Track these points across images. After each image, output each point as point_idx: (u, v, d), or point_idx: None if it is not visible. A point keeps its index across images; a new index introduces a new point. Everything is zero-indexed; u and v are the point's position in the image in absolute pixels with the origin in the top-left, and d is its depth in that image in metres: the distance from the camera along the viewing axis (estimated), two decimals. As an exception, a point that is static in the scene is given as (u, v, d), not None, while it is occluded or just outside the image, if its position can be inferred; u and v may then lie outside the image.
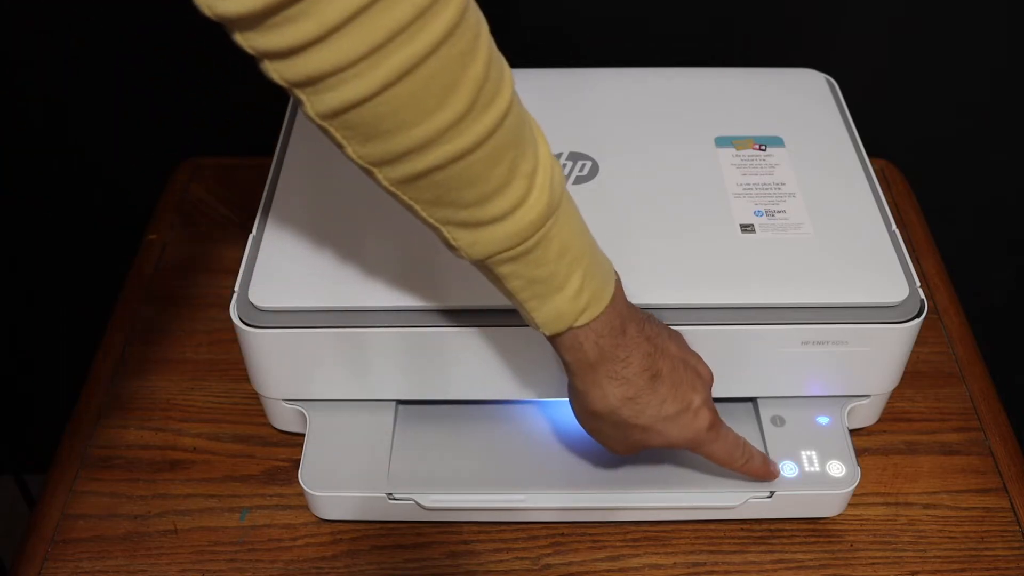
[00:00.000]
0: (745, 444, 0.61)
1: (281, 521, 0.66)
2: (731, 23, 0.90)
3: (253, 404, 0.71)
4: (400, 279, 0.62)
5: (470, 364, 0.63)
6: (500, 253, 0.49)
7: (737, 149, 0.72)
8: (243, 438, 0.71)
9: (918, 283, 0.62)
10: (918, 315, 0.61)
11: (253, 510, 0.66)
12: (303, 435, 0.66)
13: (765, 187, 0.69)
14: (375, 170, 0.47)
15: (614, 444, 0.59)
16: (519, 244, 0.49)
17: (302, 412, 0.66)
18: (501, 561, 0.64)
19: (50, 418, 0.88)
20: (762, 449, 0.65)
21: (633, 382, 0.55)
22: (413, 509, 0.63)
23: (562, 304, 0.52)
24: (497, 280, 0.52)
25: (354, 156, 0.46)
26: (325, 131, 0.45)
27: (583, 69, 0.80)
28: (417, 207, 0.48)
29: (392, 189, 0.48)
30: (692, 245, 0.64)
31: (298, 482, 0.63)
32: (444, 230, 0.49)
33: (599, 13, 0.89)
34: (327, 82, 0.42)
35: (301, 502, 0.66)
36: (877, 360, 0.64)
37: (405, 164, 0.45)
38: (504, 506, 0.64)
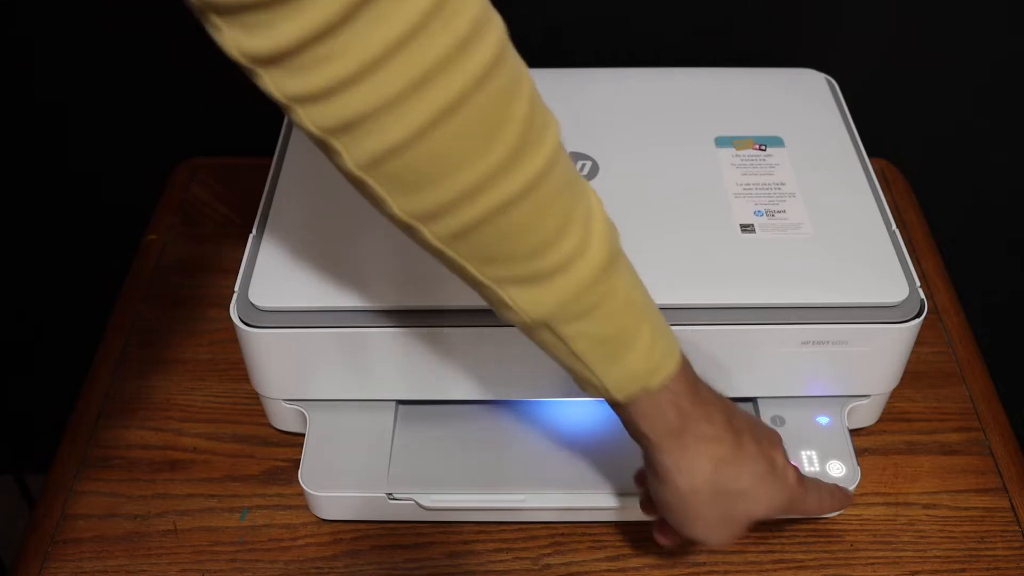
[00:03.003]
0: (819, 484, 0.58)
1: (281, 521, 0.66)
2: (731, 23, 0.90)
3: (253, 404, 0.71)
4: (400, 279, 0.62)
5: (470, 364, 0.63)
6: (564, 308, 0.46)
7: (737, 149, 0.72)
8: (243, 438, 0.71)
9: (918, 283, 0.62)
10: (918, 315, 0.61)
11: (253, 510, 0.66)
12: (303, 435, 0.66)
13: (765, 187, 0.69)
14: (421, 226, 0.43)
15: (715, 529, 0.53)
16: (585, 295, 0.46)
17: (302, 412, 0.66)
18: (501, 561, 0.64)
19: (50, 418, 0.88)
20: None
21: (723, 440, 0.51)
22: (413, 509, 0.63)
23: (635, 362, 0.48)
24: (558, 344, 0.48)
25: (398, 211, 0.42)
26: (363, 186, 0.42)
27: (583, 69, 0.80)
28: (469, 266, 0.45)
29: (440, 247, 0.44)
30: (692, 245, 0.64)
31: (298, 482, 0.63)
32: (499, 290, 0.46)
33: (599, 13, 0.89)
34: (365, 126, 0.39)
35: (301, 502, 0.66)
36: (877, 360, 0.64)
37: (455, 215, 0.42)
38: (504, 506, 0.64)
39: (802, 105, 0.77)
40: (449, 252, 0.44)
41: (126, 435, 0.71)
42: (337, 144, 0.40)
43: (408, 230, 0.44)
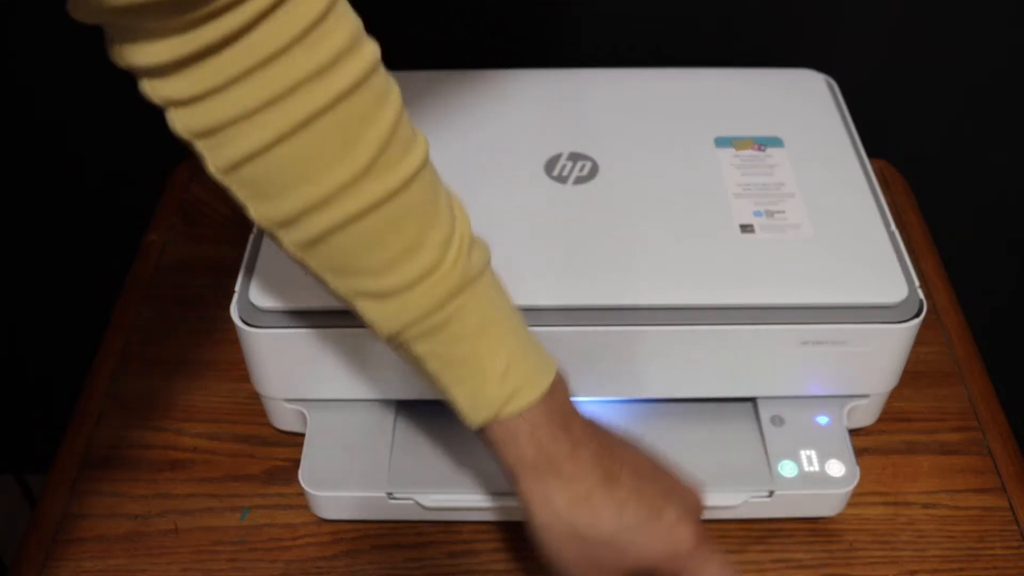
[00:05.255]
0: (725, 563, 0.51)
1: (281, 521, 0.66)
2: (731, 23, 0.90)
3: (253, 404, 0.71)
4: (400, 279, 0.62)
5: (470, 364, 0.63)
6: (411, 326, 0.48)
7: (737, 149, 0.72)
8: (243, 438, 0.71)
9: (917, 283, 0.63)
10: (917, 315, 0.62)
11: (253, 510, 0.66)
12: (303, 435, 0.66)
13: (764, 187, 0.69)
14: (279, 233, 0.47)
15: (580, 571, 0.50)
16: (430, 315, 0.47)
17: (302, 412, 0.67)
18: (501, 561, 0.64)
19: (50, 418, 0.88)
20: (762, 449, 0.65)
21: (583, 479, 0.49)
22: (413, 509, 0.63)
23: (485, 387, 0.48)
24: (413, 361, 0.50)
25: (256, 216, 0.47)
26: (227, 190, 0.46)
27: (583, 69, 0.80)
28: (324, 276, 0.48)
29: (298, 256, 0.48)
30: (692, 245, 0.64)
31: (298, 482, 0.63)
32: (356, 303, 0.49)
33: (599, 13, 0.89)
34: (226, 132, 0.43)
35: (301, 502, 0.66)
36: (876, 360, 0.64)
37: (304, 224, 0.46)
38: (504, 506, 0.64)
39: (802, 105, 0.77)
40: (306, 260, 0.48)
41: (126, 435, 0.71)
42: (202, 148, 0.45)
43: (271, 237, 0.48)
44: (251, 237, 0.65)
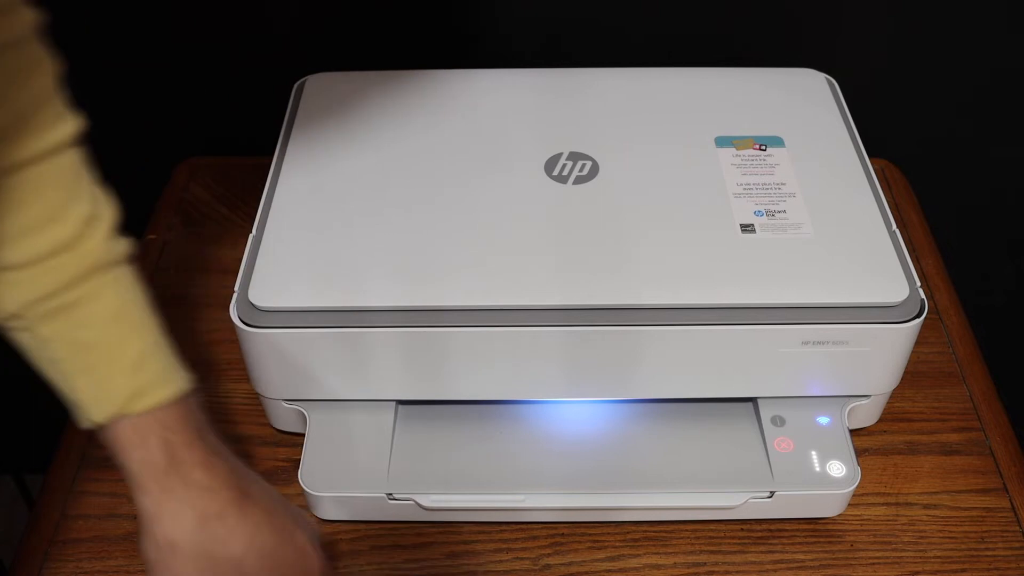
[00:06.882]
0: None
1: (281, 521, 0.66)
2: (731, 23, 0.90)
3: (253, 404, 0.71)
4: (400, 279, 0.62)
5: (469, 364, 0.63)
6: (41, 302, 0.44)
7: (737, 149, 0.72)
8: (243, 438, 0.71)
9: (918, 283, 0.62)
10: (918, 315, 0.61)
11: (253, 510, 0.66)
12: (303, 435, 0.66)
13: (765, 187, 0.69)
14: None
15: None
16: (64, 291, 0.44)
17: (302, 412, 0.66)
18: (501, 561, 0.64)
19: (50, 418, 0.88)
20: (763, 449, 0.65)
21: (217, 493, 0.46)
22: (413, 509, 0.63)
23: (114, 376, 0.45)
24: (38, 348, 0.46)
25: None
26: None
27: (583, 69, 0.80)
28: None
29: None
30: (692, 245, 0.64)
31: (298, 482, 0.63)
32: None
33: (599, 13, 0.89)
34: None
35: (301, 502, 0.66)
36: (877, 360, 0.64)
37: None
38: (504, 506, 0.64)
39: (802, 105, 0.77)
40: None
41: (126, 435, 0.71)
42: None
43: None
44: (251, 237, 0.65)
